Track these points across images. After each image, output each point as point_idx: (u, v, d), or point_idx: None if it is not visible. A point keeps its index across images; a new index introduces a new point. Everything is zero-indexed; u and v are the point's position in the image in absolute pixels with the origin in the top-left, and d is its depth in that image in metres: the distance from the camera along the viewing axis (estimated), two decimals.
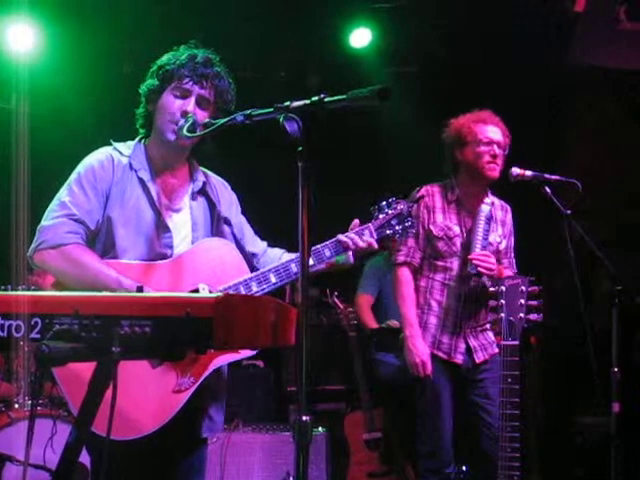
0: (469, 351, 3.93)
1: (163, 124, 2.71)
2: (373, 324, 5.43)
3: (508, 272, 3.94)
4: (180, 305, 1.74)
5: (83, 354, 1.77)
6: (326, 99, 2.10)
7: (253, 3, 5.63)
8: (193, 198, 2.81)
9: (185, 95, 2.70)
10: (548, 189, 3.70)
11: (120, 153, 2.74)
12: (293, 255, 2.74)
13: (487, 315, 3.90)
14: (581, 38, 5.31)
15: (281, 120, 2.12)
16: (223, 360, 2.62)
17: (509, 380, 3.12)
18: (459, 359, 3.92)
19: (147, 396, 2.48)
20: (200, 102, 2.71)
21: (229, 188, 2.97)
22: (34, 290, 2.14)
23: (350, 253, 2.77)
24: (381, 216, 2.88)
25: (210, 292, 2.59)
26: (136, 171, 2.72)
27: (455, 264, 3.93)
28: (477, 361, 3.93)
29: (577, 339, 3.86)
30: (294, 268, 2.68)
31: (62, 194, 2.65)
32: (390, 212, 2.89)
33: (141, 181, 2.71)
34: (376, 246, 2.82)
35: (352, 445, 5.03)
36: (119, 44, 5.88)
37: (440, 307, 3.94)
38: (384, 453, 4.97)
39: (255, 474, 4.72)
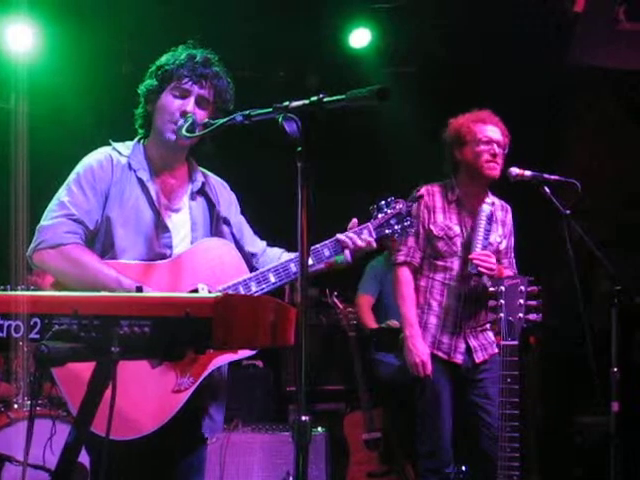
0: (469, 351, 3.93)
1: (162, 124, 2.71)
2: (373, 324, 5.43)
3: (508, 272, 3.94)
4: (179, 305, 1.74)
5: (82, 354, 1.78)
6: (325, 99, 2.10)
7: (252, 3, 5.63)
8: (192, 198, 2.81)
9: (184, 95, 2.71)
10: (547, 189, 3.70)
11: (119, 153, 2.74)
12: (292, 255, 2.75)
13: (487, 315, 3.90)
14: (580, 38, 5.31)
15: (280, 120, 2.12)
16: (222, 360, 2.62)
17: (508, 380, 3.12)
18: (459, 359, 3.92)
19: (146, 396, 2.47)
20: (199, 102, 2.71)
21: (228, 188, 2.97)
22: (33, 290, 2.14)
23: (347, 252, 2.76)
24: (380, 216, 2.88)
25: (209, 292, 2.59)
26: (135, 171, 2.72)
27: (455, 264, 3.94)
28: (477, 361, 3.93)
29: (576, 339, 3.86)
30: (293, 268, 2.68)
31: (61, 194, 2.65)
32: (389, 212, 2.90)
33: (140, 181, 2.71)
34: (375, 245, 2.82)
35: (351, 445, 5.03)
36: (118, 44, 5.88)
37: (440, 307, 3.95)
38: (383, 453, 4.98)
39: (255, 474, 4.72)
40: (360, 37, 6.01)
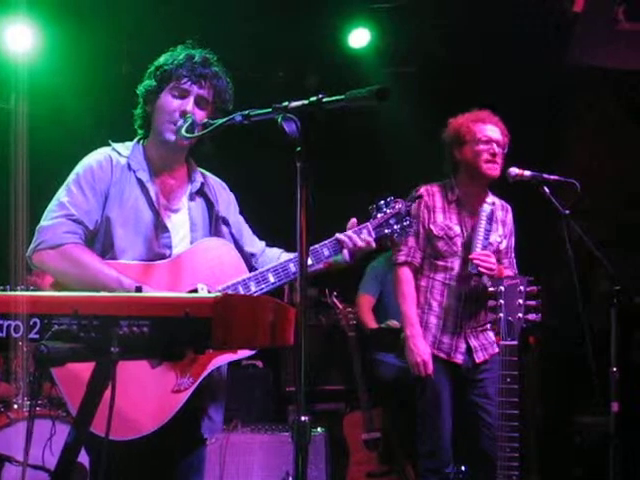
0: (469, 351, 3.94)
1: (162, 124, 2.71)
2: (373, 324, 5.43)
3: (508, 272, 3.94)
4: (179, 305, 1.74)
5: (82, 354, 1.78)
6: (324, 99, 2.10)
7: (252, 3, 5.63)
8: (191, 199, 2.81)
9: (183, 95, 2.71)
10: (547, 189, 3.70)
11: (119, 154, 2.74)
12: (292, 255, 2.75)
13: (487, 315, 3.90)
14: (580, 38, 5.31)
15: (279, 120, 2.12)
16: (222, 360, 2.62)
17: (508, 380, 3.12)
18: (459, 359, 3.92)
19: (146, 396, 2.47)
20: (199, 102, 2.71)
21: (227, 189, 2.98)
22: (33, 290, 2.14)
23: (346, 252, 2.76)
24: (379, 215, 2.88)
25: (209, 292, 2.59)
26: (135, 171, 2.72)
27: (456, 264, 3.94)
28: (477, 361, 3.93)
29: (576, 339, 3.85)
30: (293, 268, 2.68)
31: (61, 194, 2.65)
32: (388, 211, 2.90)
33: (140, 181, 2.71)
34: (374, 245, 2.82)
35: (351, 445, 5.03)
36: (118, 44, 5.88)
37: (440, 307, 3.95)
38: (383, 453, 4.98)
39: (254, 474, 4.72)
40: (360, 37, 6.01)
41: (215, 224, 2.82)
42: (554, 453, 5.50)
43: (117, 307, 1.79)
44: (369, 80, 5.43)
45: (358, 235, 2.79)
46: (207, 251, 2.69)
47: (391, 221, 2.90)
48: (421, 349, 3.86)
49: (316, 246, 2.74)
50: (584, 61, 5.49)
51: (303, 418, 1.94)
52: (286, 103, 2.14)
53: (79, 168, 2.69)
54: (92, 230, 2.63)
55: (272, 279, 2.67)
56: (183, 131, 2.65)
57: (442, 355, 3.92)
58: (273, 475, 4.72)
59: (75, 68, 5.56)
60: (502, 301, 3.16)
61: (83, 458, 2.30)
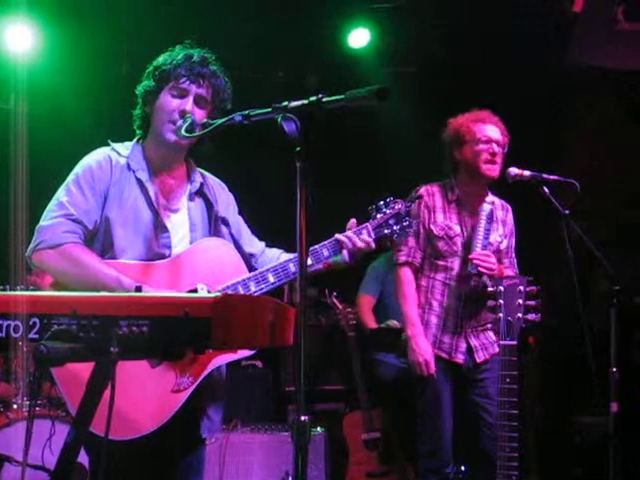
0: (470, 351, 3.94)
1: (162, 124, 2.71)
2: (373, 324, 5.43)
3: (509, 272, 3.95)
4: (178, 305, 1.74)
5: (81, 354, 1.77)
6: (324, 99, 2.10)
7: (252, 3, 5.63)
8: (191, 199, 2.81)
9: (182, 95, 2.71)
10: (546, 189, 3.70)
11: (118, 153, 2.74)
12: (291, 255, 2.75)
13: (488, 315, 3.90)
14: (579, 38, 5.31)
15: (279, 120, 2.12)
16: (222, 360, 2.62)
17: (507, 380, 3.12)
18: (460, 359, 3.92)
19: (146, 396, 2.48)
20: (198, 101, 2.71)
21: (226, 189, 2.98)
22: (32, 290, 2.14)
23: (345, 252, 2.76)
24: (379, 216, 2.88)
25: (208, 292, 2.59)
26: (134, 171, 2.72)
27: (456, 264, 3.94)
28: (478, 361, 3.93)
29: (575, 339, 3.85)
30: (292, 268, 2.68)
31: (60, 194, 2.65)
32: (388, 212, 2.90)
33: (139, 181, 2.71)
34: (374, 246, 2.82)
35: (351, 445, 5.03)
36: (118, 44, 5.88)
37: (441, 307, 3.95)
38: (383, 453, 4.98)
39: (254, 474, 4.72)
40: (359, 37, 6.01)
41: (214, 224, 2.82)
42: (554, 453, 5.50)
43: (117, 307, 1.79)
44: (369, 80, 5.43)
45: (358, 236, 2.79)
46: (207, 251, 2.69)
47: (391, 221, 2.90)
48: (423, 349, 3.87)
49: (316, 246, 2.74)
50: (584, 61, 5.49)
51: (303, 418, 1.94)
52: (286, 103, 2.14)
53: (78, 168, 2.69)
54: (91, 230, 2.63)
55: (272, 279, 2.68)
56: (183, 131, 2.65)
57: (443, 355, 3.92)
58: (273, 475, 4.72)
59: (75, 68, 5.56)
60: (501, 301, 3.16)
61: (83, 458, 2.30)
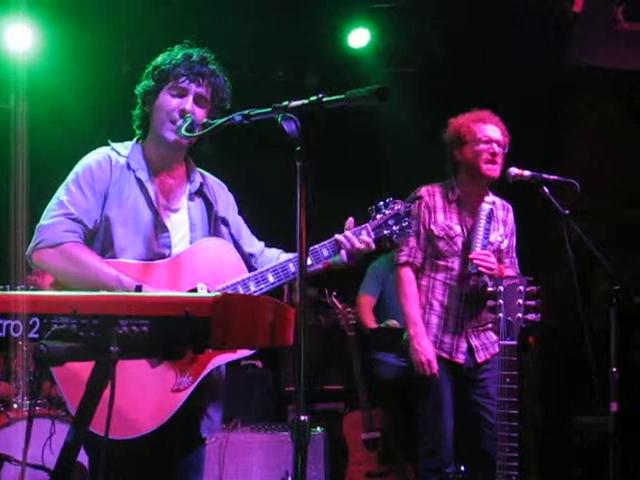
0: (471, 351, 3.94)
1: (161, 124, 2.71)
2: (373, 324, 5.43)
3: (509, 272, 3.95)
4: (179, 304, 1.74)
5: (81, 354, 1.77)
6: (324, 99, 2.10)
7: (252, 3, 5.63)
8: (190, 199, 2.81)
9: (182, 94, 2.71)
10: (546, 189, 3.70)
11: (118, 153, 2.74)
12: (291, 255, 2.75)
13: (488, 315, 3.89)
14: (579, 38, 5.31)
15: (279, 120, 2.12)
16: (222, 359, 2.62)
17: (507, 380, 3.12)
18: (461, 359, 3.92)
19: (146, 395, 2.48)
20: (197, 100, 2.71)
21: (226, 189, 2.98)
22: (33, 290, 2.14)
23: (344, 253, 2.76)
24: (378, 216, 2.88)
25: (208, 292, 2.59)
26: (134, 171, 2.72)
27: (456, 264, 3.94)
28: (479, 361, 3.93)
29: (575, 339, 3.85)
30: (292, 268, 2.68)
31: (60, 193, 2.65)
32: (387, 212, 2.90)
33: (139, 181, 2.71)
34: (373, 246, 2.82)
35: (350, 445, 5.03)
36: (117, 44, 5.88)
37: (442, 306, 3.95)
38: (382, 453, 4.97)
39: (254, 474, 4.72)
40: (359, 37, 6.01)
41: (214, 224, 2.82)
42: (554, 453, 5.51)
43: (117, 306, 1.79)
44: (369, 80, 5.43)
45: (357, 236, 2.79)
46: (207, 251, 2.70)
47: (390, 222, 2.90)
48: (425, 348, 3.87)
49: (316, 246, 2.74)
50: (584, 61, 5.50)
51: (303, 418, 1.94)
52: (286, 103, 2.14)
53: (78, 168, 2.69)
54: (91, 229, 2.63)
55: (271, 279, 2.68)
56: (183, 130, 2.65)
57: (444, 355, 3.92)
58: (272, 474, 4.72)
59: (75, 68, 5.56)
60: (501, 301, 3.15)
61: (82, 458, 2.30)
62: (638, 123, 5.95)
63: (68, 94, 5.62)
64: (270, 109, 2.20)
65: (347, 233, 2.79)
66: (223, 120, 2.49)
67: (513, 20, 5.47)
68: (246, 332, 1.82)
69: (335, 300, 5.40)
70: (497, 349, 3.87)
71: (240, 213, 2.98)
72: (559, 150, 6.02)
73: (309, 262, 2.67)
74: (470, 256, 3.83)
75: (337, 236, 2.78)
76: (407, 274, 4.00)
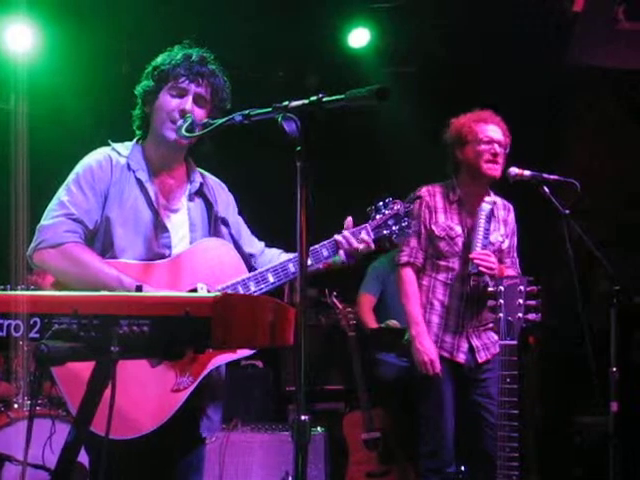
0: (472, 350, 3.94)
1: (161, 123, 2.71)
2: (373, 324, 5.43)
3: (510, 271, 3.94)
4: (179, 304, 1.75)
5: (82, 354, 1.78)
6: (324, 99, 2.10)
7: (252, 3, 5.63)
8: (190, 199, 2.81)
9: (182, 94, 2.71)
10: (547, 189, 3.70)
11: (118, 153, 2.75)
12: (291, 255, 2.75)
13: (489, 315, 3.89)
14: (580, 38, 5.31)
15: (279, 120, 2.12)
16: (221, 360, 2.62)
17: (508, 380, 3.12)
18: (461, 358, 3.92)
19: (146, 395, 2.48)
20: (197, 100, 2.72)
21: (226, 189, 2.98)
22: (33, 290, 2.14)
23: (342, 252, 2.77)
24: (378, 216, 2.89)
25: (208, 292, 2.59)
26: (134, 171, 2.72)
27: (457, 264, 3.94)
28: (479, 361, 3.93)
29: (576, 339, 3.86)
30: (292, 268, 2.68)
31: (61, 194, 2.65)
32: (387, 212, 2.90)
33: (139, 181, 2.71)
34: (373, 246, 2.82)
35: (351, 445, 5.03)
36: (118, 44, 5.88)
37: (442, 306, 3.95)
38: (383, 453, 4.97)
39: (254, 473, 4.72)
40: (359, 37, 6.01)
41: (214, 224, 2.82)
42: (554, 453, 5.50)
43: (117, 306, 1.79)
44: (369, 80, 5.43)
45: (356, 236, 2.79)
46: (206, 251, 2.70)
47: (390, 222, 2.90)
48: (428, 348, 3.87)
49: (316, 246, 2.74)
50: (584, 61, 5.49)
51: (303, 417, 1.94)
52: (286, 103, 2.14)
53: (79, 168, 2.69)
54: (92, 229, 2.64)
55: (271, 279, 2.68)
56: (183, 130, 2.65)
57: (445, 354, 3.92)
58: (273, 474, 4.72)
59: (75, 68, 5.56)
60: (502, 301, 3.16)
61: (83, 457, 2.30)
62: (638, 123, 5.95)
63: (68, 94, 5.62)
64: (270, 109, 2.20)
65: (345, 233, 2.79)
66: (223, 120, 2.49)
67: (513, 20, 5.47)
68: (246, 332, 1.83)
69: (335, 300, 5.40)
70: (498, 349, 3.90)
71: (240, 213, 2.99)
72: (559, 150, 6.02)
73: (309, 262, 2.67)
74: (470, 256, 3.83)
75: (336, 236, 2.78)
76: (408, 274, 4.00)
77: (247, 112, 2.35)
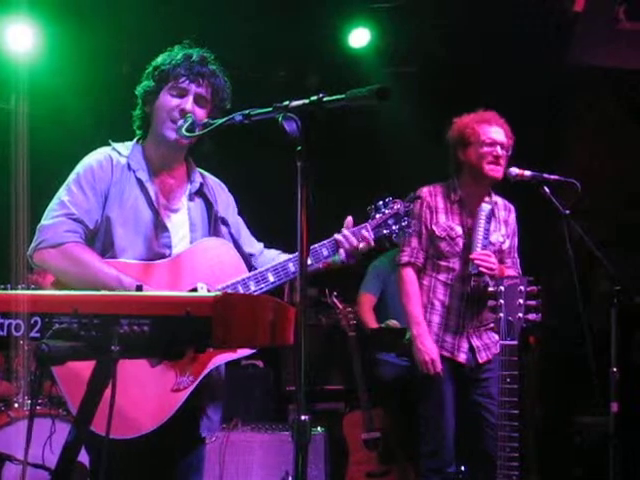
0: (472, 350, 3.94)
1: (162, 123, 2.72)
2: (373, 324, 5.43)
3: (510, 272, 3.94)
4: (179, 304, 1.75)
5: (82, 353, 1.78)
6: (325, 99, 2.10)
7: (252, 3, 5.63)
8: (190, 199, 2.81)
9: (182, 94, 2.71)
10: (547, 189, 3.70)
11: (119, 153, 2.75)
12: (290, 255, 2.75)
13: (490, 315, 3.89)
14: (580, 38, 5.31)
15: (280, 120, 2.12)
16: (222, 359, 2.62)
17: (508, 380, 3.12)
18: (462, 358, 3.92)
19: (146, 395, 2.48)
20: (197, 100, 2.72)
21: (226, 189, 2.98)
22: (34, 289, 2.15)
23: (342, 252, 2.77)
24: (378, 216, 2.89)
25: (208, 291, 2.59)
26: (134, 171, 2.72)
27: (457, 264, 3.94)
28: (480, 361, 3.94)
29: (576, 339, 3.86)
30: (292, 267, 2.69)
31: (61, 194, 2.66)
32: (387, 212, 2.90)
33: (139, 181, 2.72)
34: (373, 243, 2.82)
35: (351, 445, 5.03)
36: (118, 44, 5.88)
37: (443, 306, 3.95)
38: (383, 453, 4.97)
39: (254, 473, 4.72)
40: (360, 37, 6.01)
41: (214, 224, 2.82)
42: (554, 453, 5.50)
43: (118, 306, 1.79)
44: (369, 80, 5.42)
45: (356, 235, 2.79)
46: (207, 251, 2.70)
47: (389, 222, 2.91)
48: (429, 347, 3.87)
49: (315, 246, 2.74)
50: (584, 61, 5.49)
51: (303, 417, 1.94)
52: (287, 102, 2.14)
53: (79, 168, 2.69)
54: (92, 229, 2.64)
55: (271, 278, 2.68)
56: (183, 130, 2.65)
57: (446, 353, 3.92)
58: (273, 474, 4.72)
59: (75, 68, 5.56)
60: (502, 301, 3.16)
61: (83, 457, 2.31)
62: (638, 123, 5.95)
63: (69, 94, 5.62)
64: (271, 109, 2.20)
65: (345, 232, 2.79)
66: (224, 120, 2.49)
67: (513, 20, 5.47)
68: (246, 331, 1.83)
69: (336, 300, 5.40)
70: (498, 349, 3.90)
71: (240, 213, 2.99)
72: (559, 150, 6.02)
73: (309, 262, 2.67)
74: (471, 256, 3.83)
75: (336, 236, 2.78)
76: (409, 274, 4.00)
77: (247, 112, 2.35)
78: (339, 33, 6.03)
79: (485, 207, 3.91)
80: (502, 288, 3.17)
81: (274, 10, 5.62)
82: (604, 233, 5.30)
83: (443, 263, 3.96)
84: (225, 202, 2.92)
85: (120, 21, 5.61)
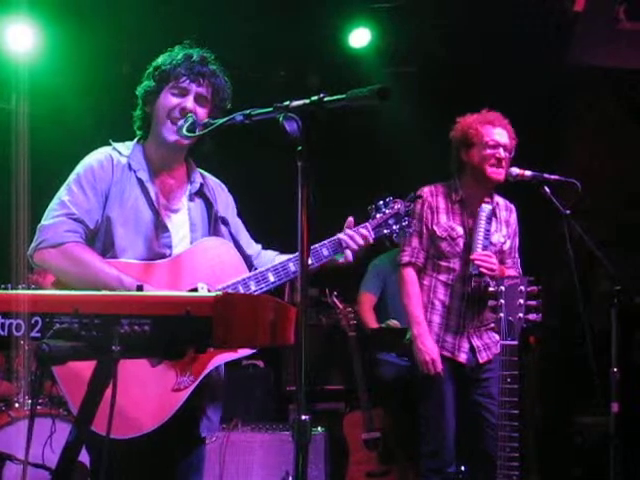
0: (473, 350, 3.94)
1: (162, 123, 2.72)
2: (374, 324, 5.43)
3: (511, 272, 3.94)
4: (180, 304, 1.75)
5: (83, 353, 1.78)
6: (325, 99, 2.10)
7: (252, 3, 5.63)
8: (191, 199, 2.81)
9: (183, 94, 2.71)
10: (547, 189, 3.70)
11: (119, 153, 2.75)
12: (290, 255, 2.75)
13: (490, 315, 3.89)
14: (580, 38, 5.31)
15: (280, 120, 2.12)
16: (222, 359, 2.63)
17: (508, 380, 3.13)
18: (463, 358, 3.92)
19: (146, 395, 2.48)
20: (198, 100, 2.72)
21: (226, 190, 2.98)
22: (34, 289, 2.14)
23: (349, 252, 2.77)
24: (378, 216, 2.89)
25: (209, 291, 2.59)
26: (135, 171, 2.72)
27: (458, 264, 3.94)
28: (481, 361, 3.94)
29: (576, 339, 3.87)
30: (292, 267, 2.69)
31: (62, 193, 2.66)
32: (387, 211, 2.91)
33: (140, 181, 2.72)
34: (371, 240, 2.83)
35: (351, 445, 5.03)
36: (118, 44, 5.88)
37: (443, 306, 3.95)
38: (383, 453, 4.97)
39: (254, 473, 4.72)
40: (360, 37, 6.01)
41: (214, 224, 2.82)
42: (554, 453, 5.51)
43: (118, 306, 1.79)
44: (370, 80, 5.42)
45: (358, 235, 2.79)
46: (207, 251, 2.70)
47: (390, 221, 2.91)
48: (430, 347, 3.87)
49: (316, 246, 2.75)
50: (584, 61, 5.49)
51: (303, 417, 1.94)
52: (287, 102, 2.14)
53: (80, 167, 2.69)
54: (93, 229, 2.64)
55: (272, 278, 2.68)
56: (184, 130, 2.65)
57: (446, 353, 3.92)
58: (273, 474, 4.72)
59: (76, 68, 5.57)
60: (502, 301, 3.16)
61: (84, 457, 2.30)
62: (638, 123, 5.95)
63: (69, 94, 5.62)
64: (271, 109, 2.20)
65: (349, 232, 2.79)
66: (224, 120, 2.49)
67: (513, 20, 5.47)
68: (247, 331, 1.83)
69: (336, 300, 5.40)
70: (499, 349, 3.90)
71: (240, 213, 2.99)
72: (559, 150, 6.02)
73: (310, 262, 2.67)
74: (471, 257, 3.83)
75: (340, 236, 2.79)
76: (410, 274, 4.00)
77: (248, 112, 2.35)
78: (339, 33, 6.03)
79: (486, 208, 3.91)
80: (502, 288, 3.17)
81: (274, 10, 5.62)
82: (604, 233, 5.30)
83: (444, 263, 3.96)
84: (225, 202, 2.93)
85: (120, 21, 5.61)
